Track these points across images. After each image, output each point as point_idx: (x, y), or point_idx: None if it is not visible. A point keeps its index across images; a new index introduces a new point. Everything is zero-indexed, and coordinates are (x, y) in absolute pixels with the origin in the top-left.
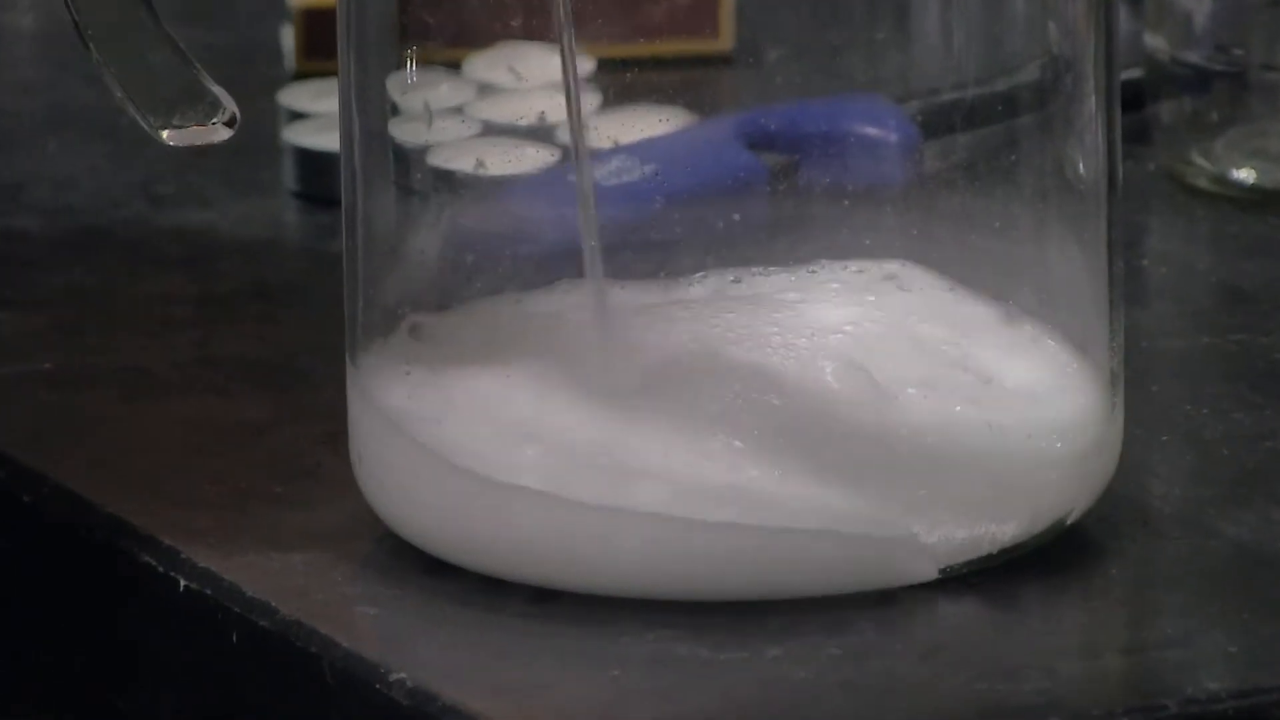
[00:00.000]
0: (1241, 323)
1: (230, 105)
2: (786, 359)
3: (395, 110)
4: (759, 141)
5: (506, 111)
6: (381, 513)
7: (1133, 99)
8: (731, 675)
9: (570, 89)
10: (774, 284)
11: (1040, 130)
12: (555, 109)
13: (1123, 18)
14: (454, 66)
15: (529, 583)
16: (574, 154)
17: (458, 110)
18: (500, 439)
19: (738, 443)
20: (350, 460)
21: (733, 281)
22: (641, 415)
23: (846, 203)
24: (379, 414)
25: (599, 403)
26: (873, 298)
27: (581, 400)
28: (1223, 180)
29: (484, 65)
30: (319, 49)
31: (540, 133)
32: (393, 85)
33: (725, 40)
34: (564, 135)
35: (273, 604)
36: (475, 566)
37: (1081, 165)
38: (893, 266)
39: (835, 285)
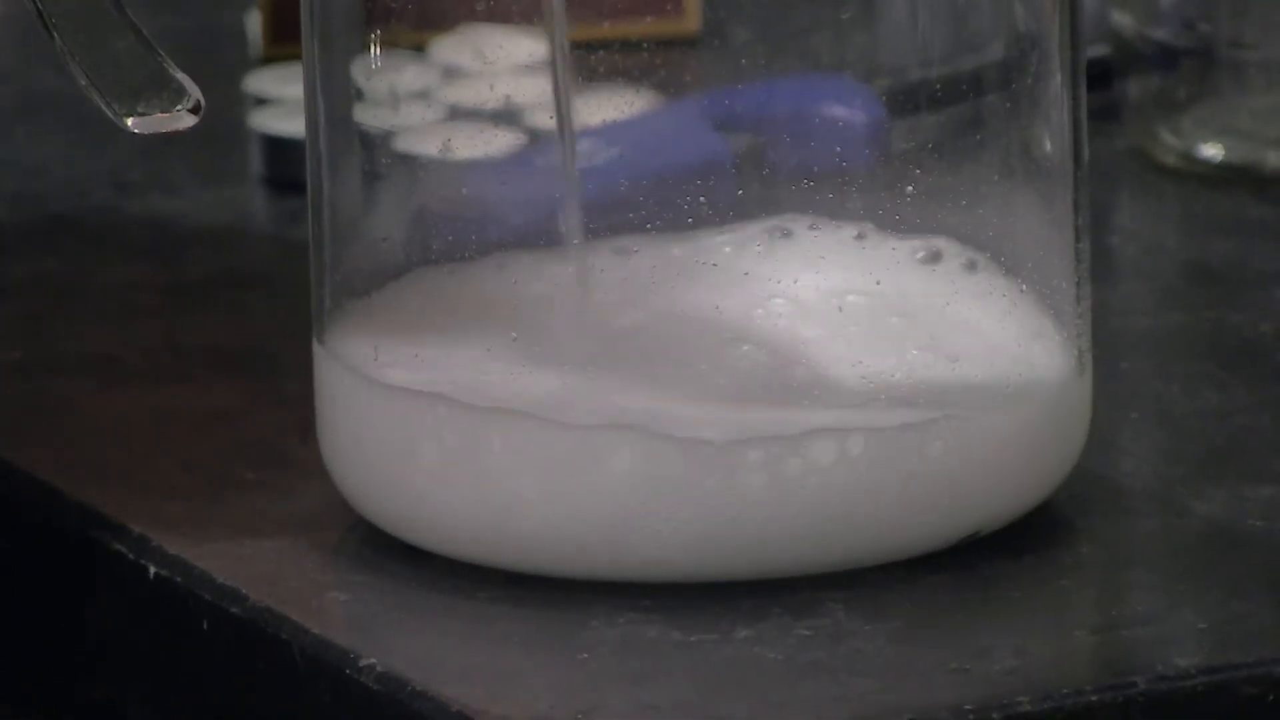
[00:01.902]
0: (1211, 300)
1: (195, 92)
2: (751, 323)
3: (360, 95)
4: (726, 123)
5: (473, 95)
6: (350, 496)
7: (1100, 76)
8: (702, 657)
9: (556, 60)
10: (738, 248)
11: (1006, 108)
12: (521, 91)
13: None
14: (419, 50)
15: (501, 563)
16: (557, 122)
17: (423, 94)
18: (469, 411)
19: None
20: (319, 447)
21: (683, 241)
22: (617, 372)
23: (813, 183)
24: (346, 397)
25: (571, 365)
26: (834, 263)
27: (553, 362)
28: (1191, 157)
29: (449, 49)
30: (286, 34)
31: (507, 115)
32: (357, 70)
33: (691, 21)
34: (531, 118)
35: (243, 591)
36: (448, 550)
37: (1048, 143)
38: (861, 228)
39: (802, 250)
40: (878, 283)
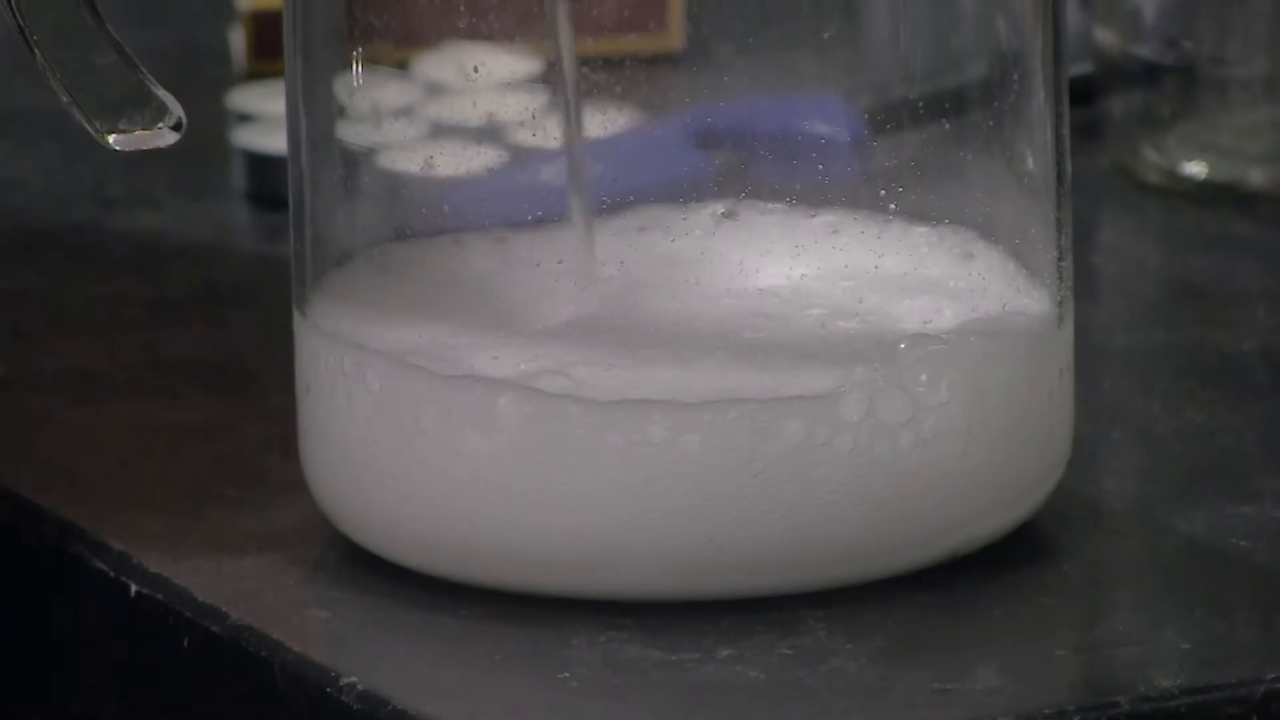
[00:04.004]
0: (1193, 317)
1: (176, 109)
2: (724, 323)
3: (343, 111)
4: (709, 140)
5: (455, 111)
6: (332, 516)
7: (1083, 93)
8: (683, 676)
9: (561, 53)
10: (724, 232)
11: (990, 126)
12: (504, 108)
13: (1072, 12)
14: (402, 67)
15: (483, 578)
16: (566, 101)
17: (406, 111)
18: (460, 409)
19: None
20: (300, 463)
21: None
22: (607, 350)
23: (795, 200)
24: (329, 412)
25: (563, 342)
26: (817, 259)
27: (541, 342)
28: (1174, 174)
29: (432, 65)
30: (269, 50)
31: (490, 132)
32: (340, 86)
33: (674, 39)
34: (514, 134)
35: (223, 609)
36: (433, 569)
37: (1031, 160)
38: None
39: (780, 238)
40: (851, 278)
